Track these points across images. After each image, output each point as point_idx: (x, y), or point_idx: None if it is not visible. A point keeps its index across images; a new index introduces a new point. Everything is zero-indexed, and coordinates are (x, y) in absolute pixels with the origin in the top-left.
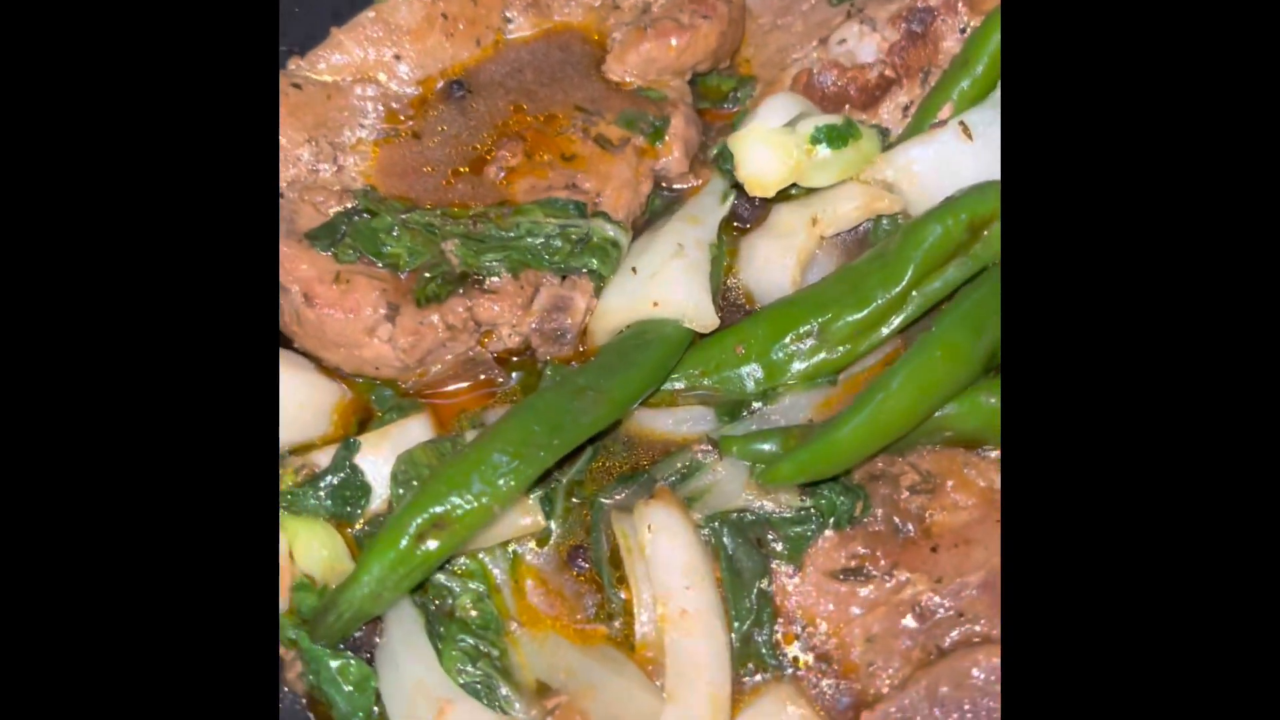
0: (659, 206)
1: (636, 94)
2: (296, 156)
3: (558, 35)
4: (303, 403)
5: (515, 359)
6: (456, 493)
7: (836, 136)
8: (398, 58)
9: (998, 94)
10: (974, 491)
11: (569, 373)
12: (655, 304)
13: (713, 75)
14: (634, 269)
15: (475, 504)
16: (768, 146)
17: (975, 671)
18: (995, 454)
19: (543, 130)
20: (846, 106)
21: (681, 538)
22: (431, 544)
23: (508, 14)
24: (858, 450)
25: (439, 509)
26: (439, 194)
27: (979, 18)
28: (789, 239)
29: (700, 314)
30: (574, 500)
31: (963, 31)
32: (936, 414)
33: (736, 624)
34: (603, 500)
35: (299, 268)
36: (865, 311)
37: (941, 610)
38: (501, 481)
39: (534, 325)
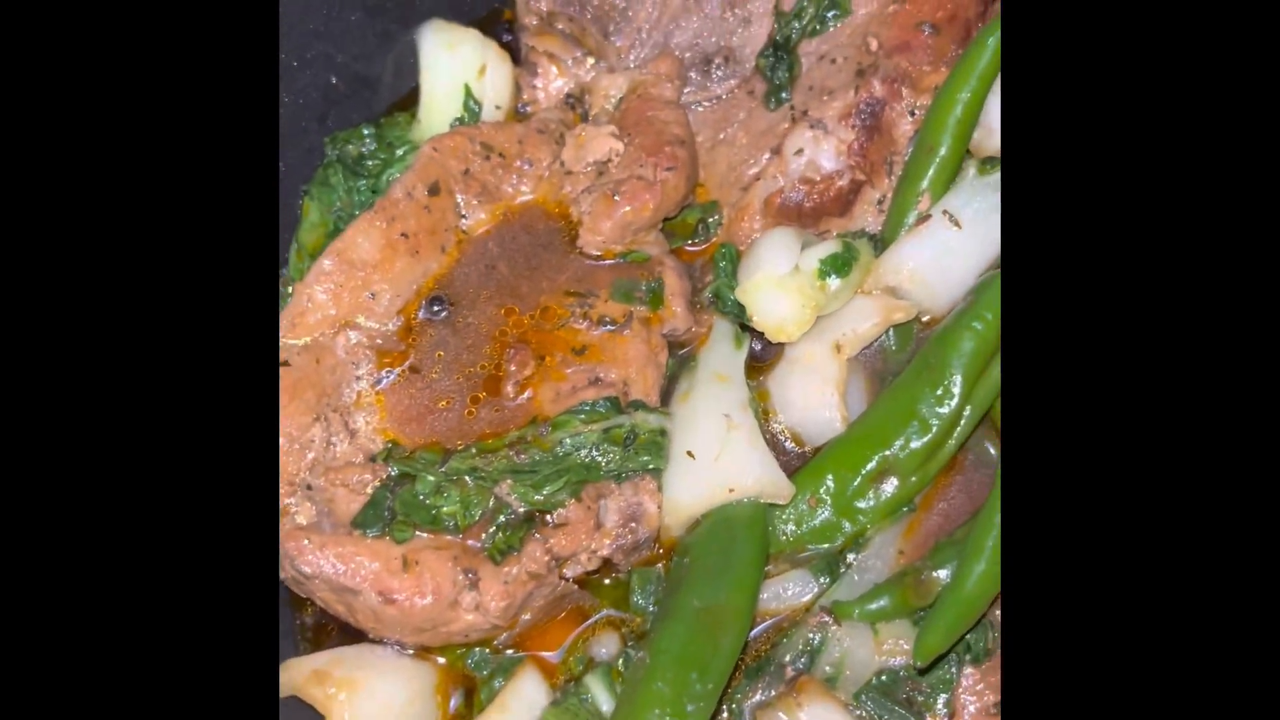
0: (674, 365)
1: (620, 262)
2: (310, 440)
3: (518, 217)
4: (408, 698)
5: (595, 575)
6: None
7: (842, 264)
8: (372, 294)
9: (971, 174)
10: None
11: (677, 595)
12: (731, 490)
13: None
14: (690, 453)
15: None
16: (784, 294)
17: None
18: None
19: (541, 327)
20: (823, 218)
21: None
22: None
23: (462, 210)
24: (987, 595)
25: None
26: (465, 429)
27: (925, 96)
28: (820, 372)
29: (777, 487)
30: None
31: (913, 114)
32: None
33: None
34: (744, 704)
35: (363, 565)
36: (929, 437)
37: None
38: None
39: (612, 545)
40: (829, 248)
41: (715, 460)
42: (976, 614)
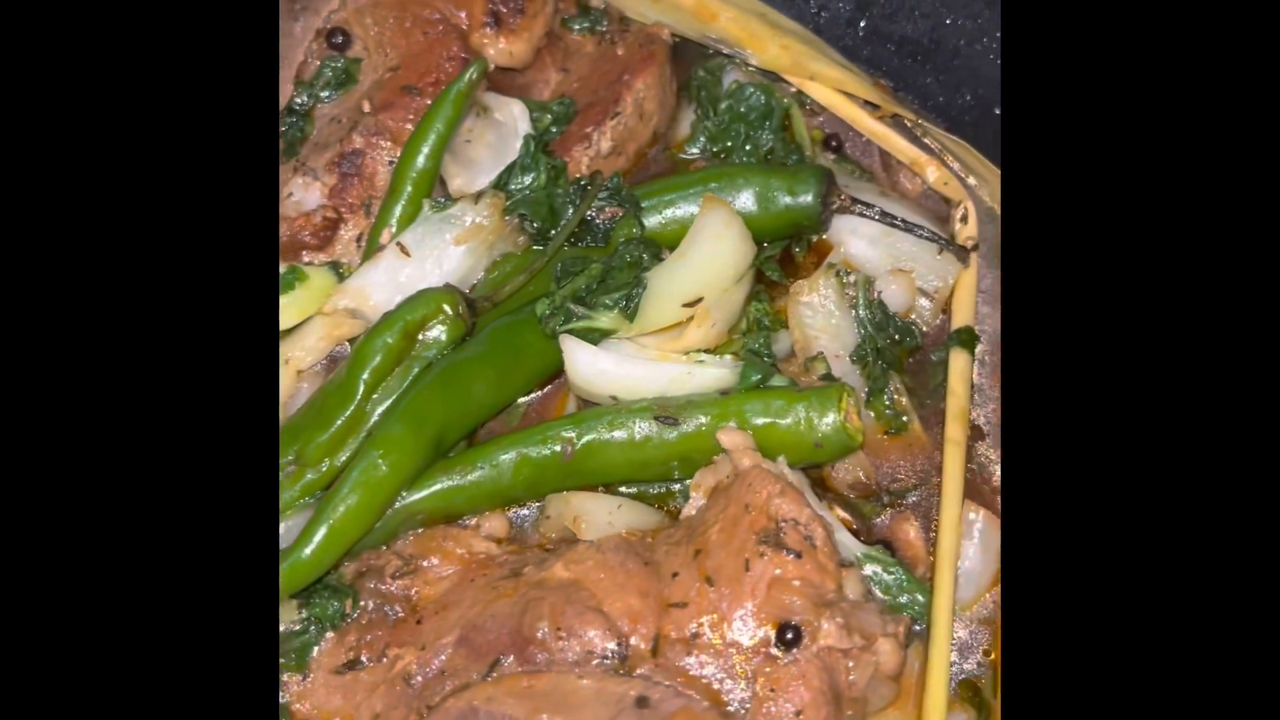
0: None
1: None
2: None
3: None
4: None
5: None
6: None
7: (283, 285)
8: None
9: (426, 211)
10: (454, 559)
11: None
12: None
13: None
14: None
15: None
16: None
17: (453, 717)
18: (474, 521)
19: None
20: (304, 251)
21: None
22: None
23: None
24: (321, 561)
25: None
26: None
27: (400, 148)
28: None
29: None
30: None
31: (391, 163)
32: (402, 502)
33: None
34: None
35: None
36: (330, 431)
37: (428, 673)
38: None
39: None
40: None
41: None
42: (309, 576)
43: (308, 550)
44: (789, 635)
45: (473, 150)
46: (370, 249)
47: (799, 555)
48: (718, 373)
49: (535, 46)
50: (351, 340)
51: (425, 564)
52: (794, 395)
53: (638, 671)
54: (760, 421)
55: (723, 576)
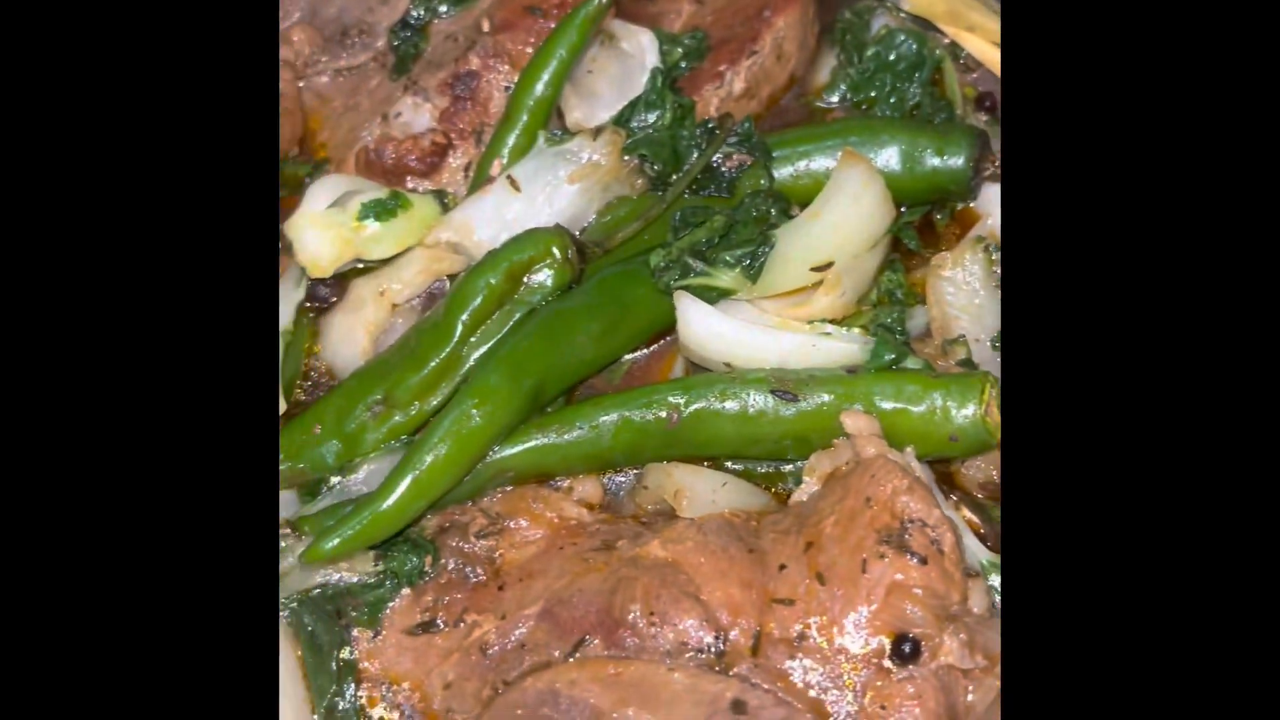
0: None
1: None
2: None
3: None
4: None
5: None
6: None
7: (384, 210)
8: None
9: (541, 144)
10: (543, 523)
11: None
12: None
13: (288, 163)
14: None
15: None
16: (316, 229)
17: (531, 698)
18: (566, 483)
19: None
20: (409, 177)
21: None
22: None
23: None
24: (404, 513)
25: None
26: None
27: (518, 72)
28: (360, 312)
29: None
30: None
31: (507, 89)
32: (493, 457)
33: (319, 698)
34: None
35: None
36: (423, 373)
37: (506, 645)
38: None
39: None
40: (376, 194)
41: None
42: (388, 529)
43: (389, 501)
44: (906, 648)
45: (595, 81)
46: (478, 180)
47: (924, 561)
48: (845, 347)
49: None
50: (451, 276)
51: (512, 525)
52: (931, 381)
53: (735, 670)
54: (889, 406)
55: (836, 575)
